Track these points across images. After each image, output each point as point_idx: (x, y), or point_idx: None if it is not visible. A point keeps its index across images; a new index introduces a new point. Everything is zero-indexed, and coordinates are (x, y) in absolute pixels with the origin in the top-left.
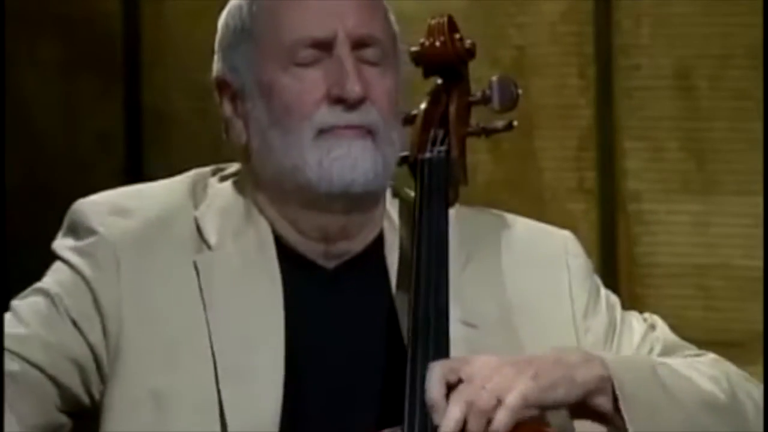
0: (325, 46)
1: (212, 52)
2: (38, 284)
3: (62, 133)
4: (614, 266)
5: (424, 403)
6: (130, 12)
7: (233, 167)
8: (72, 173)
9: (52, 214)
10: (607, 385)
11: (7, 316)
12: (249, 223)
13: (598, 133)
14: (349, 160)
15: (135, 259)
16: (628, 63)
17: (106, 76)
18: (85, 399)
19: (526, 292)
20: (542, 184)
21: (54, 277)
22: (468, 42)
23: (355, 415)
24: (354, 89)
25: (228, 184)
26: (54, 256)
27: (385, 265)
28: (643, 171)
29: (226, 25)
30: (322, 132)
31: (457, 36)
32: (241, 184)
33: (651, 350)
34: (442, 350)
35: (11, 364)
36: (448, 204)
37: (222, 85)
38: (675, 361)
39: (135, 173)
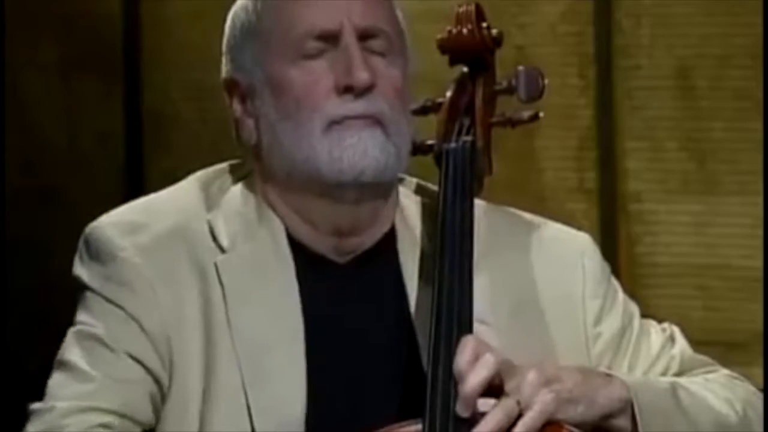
0: (332, 37)
1: (212, 53)
2: (79, 327)
3: (62, 133)
4: (615, 266)
5: (445, 393)
6: (130, 12)
7: (243, 167)
8: (72, 173)
9: (53, 215)
10: (627, 406)
11: (61, 375)
12: (261, 223)
13: (598, 133)
14: (359, 149)
15: (161, 274)
16: (628, 63)
17: (107, 76)
18: (155, 423)
19: (539, 293)
20: (543, 184)
21: (92, 315)
22: (495, 31)
23: (374, 409)
24: (362, 76)
25: (239, 185)
26: (79, 285)
27: (398, 259)
28: (644, 171)
29: (233, 25)
30: (332, 123)
31: (484, 24)
32: (252, 184)
33: (668, 367)
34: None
35: (94, 419)
36: (473, 194)
37: (231, 86)
38: (692, 382)
39: (135, 173)
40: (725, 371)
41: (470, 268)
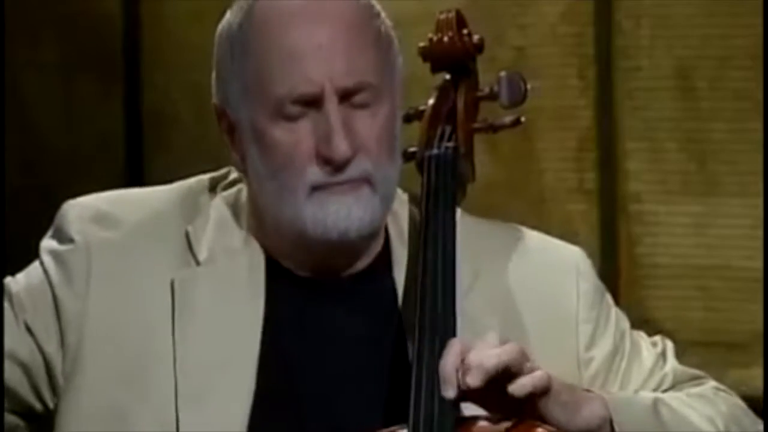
0: (313, 101)
1: (212, 53)
2: (9, 279)
3: (63, 134)
4: (615, 267)
5: (429, 403)
6: (130, 13)
7: (233, 175)
8: (72, 174)
9: (53, 216)
10: (606, 424)
11: None
12: (243, 242)
13: (598, 134)
14: (343, 213)
15: (109, 272)
16: (628, 64)
17: (107, 77)
18: (36, 404)
19: (532, 315)
20: (542, 185)
21: (26, 278)
22: (476, 37)
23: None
24: (340, 150)
25: (228, 195)
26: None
27: (392, 275)
28: (644, 172)
29: (219, 55)
30: (315, 189)
31: (465, 31)
32: (240, 198)
33: (660, 384)
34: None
35: None
36: (456, 200)
37: (220, 113)
38: (674, 398)
39: (135, 174)
40: (712, 384)
41: (453, 275)
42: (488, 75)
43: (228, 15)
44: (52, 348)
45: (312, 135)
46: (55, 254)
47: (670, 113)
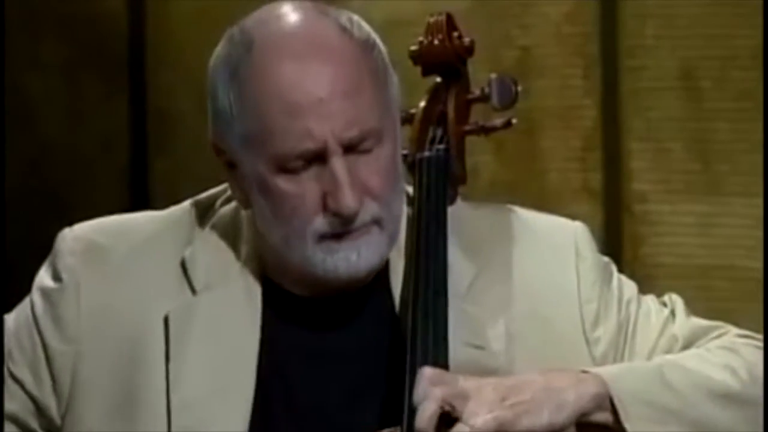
0: (317, 155)
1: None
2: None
3: (66, 133)
4: (619, 267)
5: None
6: (134, 12)
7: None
8: (76, 173)
9: (56, 215)
10: (603, 401)
11: None
12: (241, 264)
13: (602, 133)
14: (353, 257)
15: (100, 309)
16: (632, 64)
17: (111, 76)
18: None
19: (535, 301)
20: (546, 185)
21: (15, 323)
22: (467, 40)
23: None
24: (349, 205)
25: (225, 214)
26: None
27: (390, 290)
28: (648, 172)
29: (215, 96)
30: (323, 237)
31: (456, 34)
32: (239, 215)
33: (670, 347)
34: (440, 359)
35: None
36: (447, 202)
37: (218, 150)
38: (686, 356)
39: (139, 174)
40: (734, 331)
41: (444, 278)
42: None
43: (222, 47)
44: (44, 393)
45: (317, 186)
46: (45, 294)
47: (674, 113)
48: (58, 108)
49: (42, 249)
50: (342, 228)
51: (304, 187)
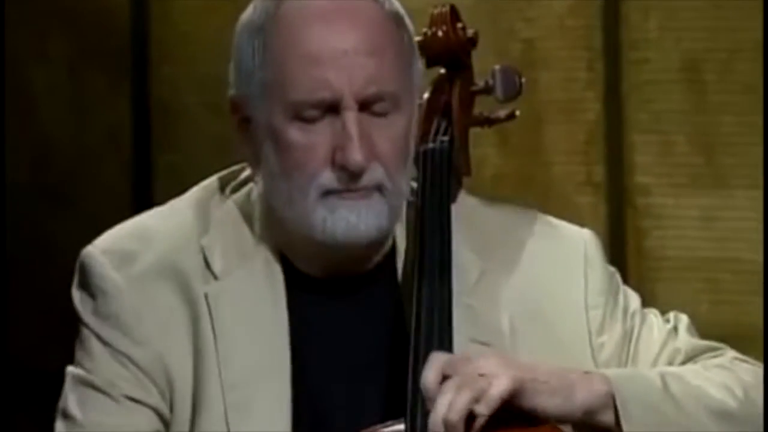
0: (332, 107)
1: (221, 46)
2: (76, 371)
3: (70, 128)
4: (623, 260)
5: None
6: (138, 7)
7: (243, 173)
8: (80, 168)
9: (60, 210)
10: (609, 401)
11: (61, 425)
12: (257, 245)
13: (606, 126)
14: (353, 218)
15: (151, 306)
16: (636, 57)
17: (114, 71)
18: None
19: (541, 303)
20: (550, 178)
21: (86, 354)
22: (470, 31)
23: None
24: (357, 160)
25: (238, 198)
26: (74, 308)
27: (396, 278)
28: (652, 165)
29: (240, 50)
30: (327, 193)
31: (460, 25)
32: (249, 196)
33: (672, 360)
34: (444, 343)
35: None
36: (451, 193)
37: (235, 107)
38: (687, 370)
39: (143, 168)
40: (731, 354)
41: (449, 270)
42: None
43: (250, 10)
44: (156, 400)
45: (328, 139)
46: (95, 310)
47: (678, 106)
48: (62, 102)
49: (46, 242)
50: (347, 185)
51: (316, 140)
